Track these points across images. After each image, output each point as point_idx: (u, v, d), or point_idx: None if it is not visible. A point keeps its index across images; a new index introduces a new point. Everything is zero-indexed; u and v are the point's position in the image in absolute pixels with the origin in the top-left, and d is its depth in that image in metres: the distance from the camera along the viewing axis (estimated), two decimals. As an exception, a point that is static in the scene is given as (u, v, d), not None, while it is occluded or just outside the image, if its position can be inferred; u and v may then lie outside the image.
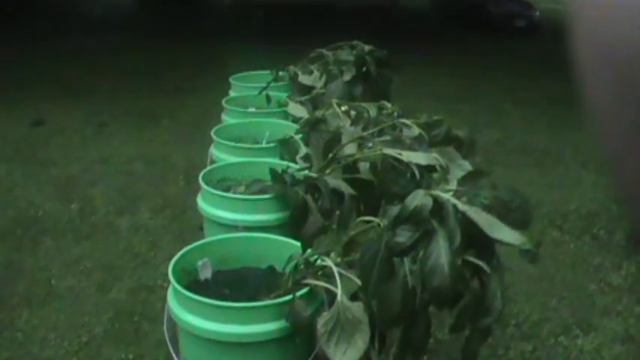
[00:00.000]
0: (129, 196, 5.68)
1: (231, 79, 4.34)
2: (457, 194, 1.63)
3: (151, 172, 6.25)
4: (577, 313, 4.31)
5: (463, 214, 1.58)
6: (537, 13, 18.81)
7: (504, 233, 1.56)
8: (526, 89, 11.05)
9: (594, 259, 5.03)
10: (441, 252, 1.52)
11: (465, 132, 2.47)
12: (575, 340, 4.03)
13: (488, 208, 1.59)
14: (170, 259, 4.53)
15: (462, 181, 1.70)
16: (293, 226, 2.49)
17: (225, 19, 17.29)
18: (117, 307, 4.06)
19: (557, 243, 5.25)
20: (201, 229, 2.86)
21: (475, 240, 1.59)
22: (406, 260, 1.64)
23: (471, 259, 1.61)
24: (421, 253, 1.57)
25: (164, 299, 4.11)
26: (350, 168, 2.56)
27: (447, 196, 1.61)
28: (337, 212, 2.48)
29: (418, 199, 1.60)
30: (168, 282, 4.27)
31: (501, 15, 17.91)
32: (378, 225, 1.73)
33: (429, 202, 1.59)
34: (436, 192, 1.62)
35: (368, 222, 1.85)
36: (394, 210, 1.62)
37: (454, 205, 1.58)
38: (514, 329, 4.05)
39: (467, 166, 2.22)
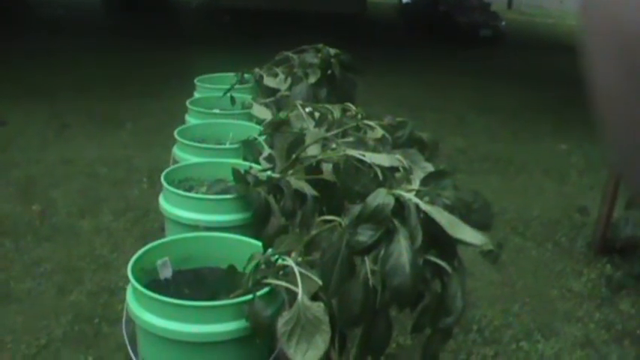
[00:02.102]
0: (91, 198, 5.60)
1: (196, 81, 4.31)
2: (419, 194, 1.63)
3: (113, 174, 6.17)
4: (538, 318, 4.33)
5: (425, 213, 1.57)
6: (503, 23, 18.99)
7: (466, 233, 1.56)
8: (491, 99, 11.14)
9: (556, 265, 5.07)
10: (402, 251, 1.51)
11: (429, 135, 2.47)
12: (537, 345, 4.06)
13: (450, 209, 1.59)
14: (132, 261, 4.54)
15: (425, 181, 1.69)
16: (255, 226, 2.48)
17: (191, 23, 17.21)
18: (77, 310, 3.99)
19: (520, 249, 5.29)
20: (163, 230, 2.82)
21: (437, 240, 1.58)
22: (367, 260, 1.63)
23: (433, 259, 1.60)
24: (382, 252, 1.56)
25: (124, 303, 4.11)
26: (313, 169, 2.55)
27: (408, 196, 1.60)
28: (299, 213, 2.46)
29: (380, 198, 1.58)
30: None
31: (468, 24, 18.04)
32: (340, 224, 1.72)
33: (391, 201, 1.58)
34: (398, 191, 1.61)
35: (329, 221, 1.84)
36: (355, 209, 1.60)
37: (416, 205, 1.57)
38: (476, 334, 4.06)
39: (430, 168, 2.22)
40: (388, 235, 1.56)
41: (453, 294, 1.58)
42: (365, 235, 1.57)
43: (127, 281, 4.28)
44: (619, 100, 0.50)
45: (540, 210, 6.15)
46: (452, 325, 1.63)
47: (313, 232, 1.82)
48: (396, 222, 1.57)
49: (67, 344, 3.70)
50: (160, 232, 4.76)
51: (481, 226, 1.62)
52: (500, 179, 7.12)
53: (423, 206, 1.58)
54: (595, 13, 0.51)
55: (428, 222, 1.57)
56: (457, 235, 1.56)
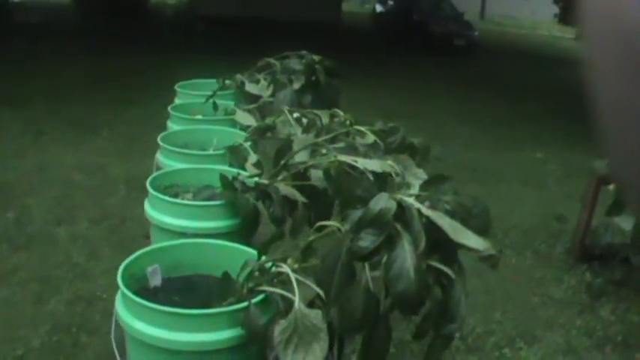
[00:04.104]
0: (67, 205, 5.51)
1: (176, 87, 4.26)
2: (420, 199, 1.60)
3: (89, 182, 6.09)
4: (520, 325, 4.33)
5: (427, 218, 1.55)
6: (476, 33, 19.14)
7: (468, 238, 1.54)
8: (467, 107, 11.20)
9: (536, 272, 5.08)
10: (406, 256, 1.48)
11: (420, 140, 2.45)
12: (519, 352, 4.06)
13: (451, 214, 1.57)
14: (110, 270, 4.44)
15: (425, 185, 1.67)
16: (243, 233, 2.44)
17: (168, 30, 17.12)
18: (54, 320, 3.92)
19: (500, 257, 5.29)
20: (147, 237, 2.77)
21: (438, 245, 1.56)
22: (366, 266, 1.60)
23: (435, 264, 1.58)
24: (385, 258, 1.53)
25: (103, 311, 4.02)
26: (300, 175, 2.52)
27: (410, 201, 1.57)
28: (289, 219, 2.43)
29: (382, 202, 1.56)
30: (108, 294, 4.17)
31: (442, 34, 18.16)
32: (338, 230, 1.69)
33: (393, 205, 1.56)
34: (400, 196, 1.59)
35: (326, 227, 1.81)
36: (355, 214, 1.57)
37: (418, 210, 1.55)
38: (459, 342, 4.04)
39: (421, 174, 2.20)
40: (390, 241, 1.54)
41: (457, 299, 1.55)
42: (367, 240, 1.54)
43: (105, 290, 4.24)
44: (621, 101, 0.50)
45: (519, 218, 6.17)
46: (455, 331, 1.61)
47: (310, 237, 1.78)
48: (398, 227, 1.55)
49: (45, 355, 3.63)
50: (139, 240, 4.72)
51: (480, 231, 1.60)
52: (478, 187, 7.13)
53: (425, 211, 1.55)
54: (595, 10, 0.51)
55: (430, 227, 1.54)
56: (460, 240, 1.53)
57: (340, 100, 3.59)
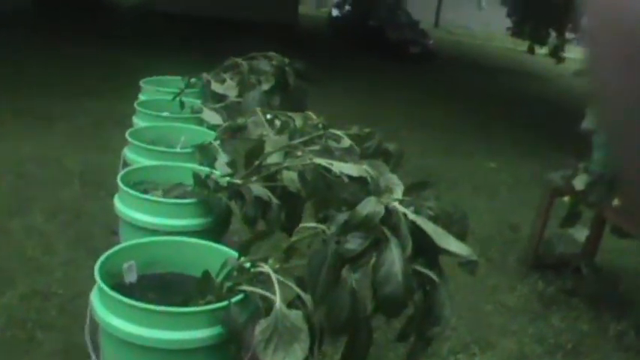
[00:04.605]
0: (21, 198, 5.41)
1: (141, 82, 4.22)
2: (404, 203, 1.63)
3: (44, 174, 5.98)
4: (475, 332, 4.40)
5: (413, 223, 1.57)
6: (431, 41, 19.34)
7: (451, 244, 1.57)
8: (422, 114, 11.30)
9: (490, 280, 5.16)
10: (394, 260, 1.50)
11: (395, 146, 2.48)
12: (474, 358, 4.13)
13: (433, 219, 1.59)
14: (66, 264, 4.40)
15: (408, 191, 1.69)
16: (215, 231, 2.44)
17: (125, 25, 16.90)
18: (8, 314, 3.85)
19: (454, 265, 5.36)
20: (115, 234, 2.74)
21: (422, 249, 1.59)
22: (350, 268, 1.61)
23: (419, 268, 1.60)
24: (373, 261, 1.55)
25: (60, 307, 3.97)
26: (271, 177, 2.53)
27: (397, 205, 1.60)
28: (261, 221, 2.44)
29: (370, 206, 1.58)
30: (64, 289, 4.12)
31: (398, 41, 18.29)
32: (323, 232, 1.70)
33: (381, 209, 1.58)
34: (386, 200, 1.61)
35: (309, 228, 1.82)
36: (342, 216, 1.59)
37: (404, 214, 1.57)
38: (415, 346, 4.10)
39: (395, 179, 2.23)
40: (378, 244, 1.56)
41: (442, 303, 1.58)
42: (354, 243, 1.56)
43: (61, 285, 4.18)
44: (623, 99, 0.50)
45: (472, 226, 6.21)
46: (440, 334, 1.63)
47: (293, 238, 1.79)
48: (386, 231, 1.57)
49: None
50: (95, 234, 4.66)
51: (459, 236, 1.64)
52: (431, 195, 7.23)
53: (411, 216, 1.58)
54: (598, 7, 0.51)
55: (415, 232, 1.57)
56: (443, 245, 1.56)
57: (308, 104, 3.61)
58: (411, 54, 18.22)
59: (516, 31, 17.71)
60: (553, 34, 16.44)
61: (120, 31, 15.33)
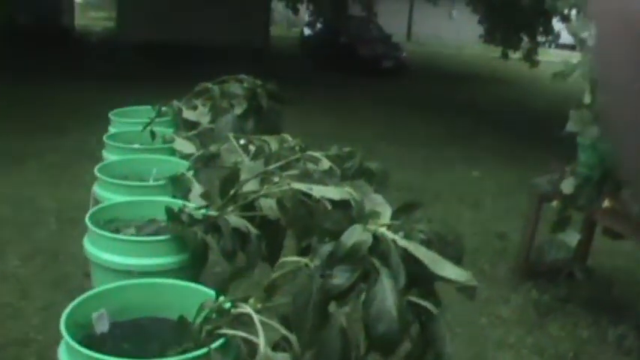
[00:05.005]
0: (-6, 242, 5.24)
1: (110, 115, 4.07)
2: (393, 228, 1.49)
3: (17, 216, 5.80)
4: (471, 347, 4.28)
5: (404, 250, 1.44)
6: (404, 54, 19.35)
7: (447, 270, 1.43)
8: (398, 128, 11.23)
9: (482, 292, 5.02)
10: (386, 294, 1.36)
11: (377, 165, 2.35)
12: (473, 376, 3.99)
13: (426, 243, 1.46)
14: (44, 309, 4.23)
15: (396, 214, 1.56)
16: (192, 269, 2.29)
17: (94, 58, 16.73)
18: (-16, 367, 3.67)
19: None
20: (87, 275, 2.59)
21: (416, 278, 1.45)
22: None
23: (414, 299, 1.47)
24: (363, 296, 1.41)
25: (38, 354, 3.79)
26: (249, 206, 2.39)
27: (385, 232, 1.46)
28: (240, 254, 2.29)
29: (356, 235, 1.44)
30: (43, 335, 3.95)
31: (370, 56, 18.27)
32: (306, 265, 1.56)
33: (369, 238, 1.44)
34: (373, 227, 1.47)
35: (290, 262, 1.68)
36: (325, 248, 1.45)
37: (394, 241, 1.43)
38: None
39: (380, 199, 2.09)
40: (367, 277, 1.42)
41: (442, 337, 1.44)
42: (341, 277, 1.42)
43: (40, 330, 4.00)
44: (631, 94, 0.50)
45: (461, 237, 6.14)
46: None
47: (274, 274, 1.65)
48: (375, 261, 1.43)
49: (-25, 407, 3.38)
50: (73, 276, 4.49)
51: (455, 259, 1.51)
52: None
53: (402, 242, 1.44)
54: (606, 11, 0.52)
55: (407, 260, 1.43)
56: (439, 272, 1.43)
57: (283, 126, 3.47)
58: (384, 68, 18.22)
59: (488, 38, 17.78)
60: (525, 38, 16.51)
61: (87, 64, 15.17)
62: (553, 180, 4.70)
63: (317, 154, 2.34)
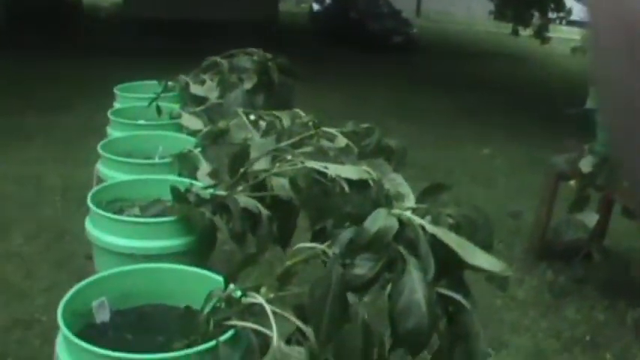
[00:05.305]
0: (-1, 220, 5.14)
1: (115, 90, 3.94)
2: (418, 212, 1.36)
3: (23, 193, 5.70)
4: (486, 330, 4.11)
5: (433, 236, 1.31)
6: (414, 30, 19.12)
7: (480, 258, 1.31)
8: (409, 105, 11.06)
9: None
10: (415, 286, 1.24)
11: (397, 142, 2.22)
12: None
13: (455, 229, 1.33)
14: (49, 289, 4.12)
15: (422, 197, 1.43)
16: (199, 252, 2.17)
17: (102, 34, 16.56)
18: (-14, 349, 3.58)
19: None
20: (89, 258, 2.47)
21: (446, 268, 1.32)
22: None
23: (444, 291, 1.34)
24: (389, 288, 1.29)
25: (43, 336, 3.69)
26: (259, 185, 2.26)
27: (412, 217, 1.33)
28: (250, 236, 2.17)
29: (380, 220, 1.31)
30: (48, 316, 3.84)
31: (380, 31, 18.07)
32: (324, 253, 1.43)
33: (395, 224, 1.31)
34: (398, 211, 1.34)
35: (308, 248, 1.55)
36: (345, 235, 1.32)
37: (422, 227, 1.31)
38: (426, 353, 3.84)
39: (399, 179, 1.96)
40: (392, 267, 1.29)
41: (476, 332, 1.32)
42: (364, 267, 1.29)
43: (45, 311, 3.90)
44: (629, 95, 0.51)
45: (474, 217, 6.01)
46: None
47: (288, 262, 1.52)
48: (401, 250, 1.30)
49: (-24, 389, 3.29)
50: (79, 256, 4.38)
51: (485, 246, 1.38)
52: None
53: (430, 228, 1.32)
54: (604, 5, 0.52)
55: (436, 247, 1.30)
56: (471, 261, 1.31)
57: (295, 101, 3.34)
58: (394, 44, 18.02)
59: (499, 14, 17.54)
60: (536, 14, 16.28)
61: (94, 40, 15.01)
62: (571, 158, 4.55)
63: (332, 130, 2.20)
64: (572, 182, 4.58)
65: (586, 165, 4.30)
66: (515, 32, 16.92)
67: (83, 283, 1.69)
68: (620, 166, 0.58)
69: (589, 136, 4.48)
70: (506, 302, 4.55)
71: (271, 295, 1.49)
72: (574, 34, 21.02)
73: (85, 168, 5.74)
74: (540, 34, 16.22)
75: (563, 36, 20.66)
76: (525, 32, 16.78)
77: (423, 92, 12.32)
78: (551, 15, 16.90)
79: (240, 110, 2.68)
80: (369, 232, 1.31)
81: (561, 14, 17.35)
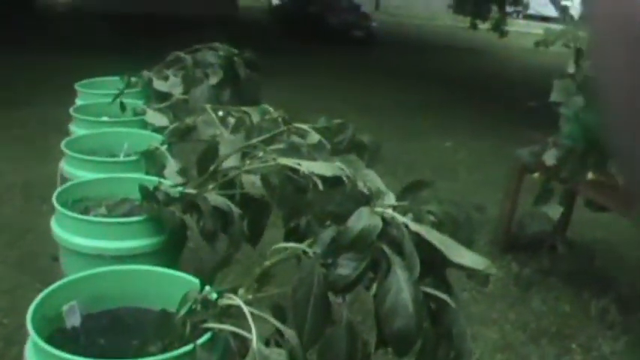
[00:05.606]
0: (-44, 219, 5.00)
1: (77, 86, 3.85)
2: (400, 210, 1.34)
3: (-20, 191, 5.57)
4: (455, 324, 4.16)
5: (416, 235, 1.28)
6: (374, 24, 19.19)
7: (464, 256, 1.29)
8: (370, 98, 11.08)
9: (462, 266, 4.92)
10: (401, 286, 1.21)
11: (370, 137, 2.19)
12: (457, 354, 3.88)
13: (437, 226, 1.31)
14: (11, 291, 4.03)
15: (403, 194, 1.40)
16: (169, 252, 2.13)
17: (59, 27, 16.27)
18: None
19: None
20: (55, 259, 2.41)
21: (430, 266, 1.30)
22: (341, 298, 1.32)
23: (429, 290, 1.32)
24: (374, 288, 1.26)
25: (6, 339, 3.60)
26: (228, 183, 2.22)
27: (395, 215, 1.31)
28: (221, 235, 2.13)
29: (364, 219, 1.28)
30: (9, 318, 3.75)
31: (339, 25, 18.10)
32: (304, 253, 1.40)
33: (379, 223, 1.28)
34: (381, 209, 1.32)
35: (287, 248, 1.52)
36: (326, 234, 1.29)
37: (405, 225, 1.28)
38: (393, 346, 3.84)
39: (372, 175, 1.94)
40: (374, 266, 1.27)
41: (462, 333, 1.30)
42: (347, 267, 1.26)
43: (6, 314, 3.81)
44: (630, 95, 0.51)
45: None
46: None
47: (268, 262, 1.49)
48: (386, 249, 1.28)
49: None
50: (41, 256, 4.29)
51: (467, 243, 1.36)
52: (391, 179, 6.89)
53: (414, 227, 1.29)
54: (604, 11, 0.52)
55: (419, 246, 1.28)
56: (455, 259, 1.29)
57: (261, 95, 3.30)
58: (354, 38, 18.07)
59: (458, 8, 17.69)
60: (494, 8, 16.44)
61: (51, 33, 14.74)
62: (535, 151, 4.58)
63: (304, 126, 2.17)
64: (536, 175, 4.61)
65: (550, 158, 4.32)
66: (474, 26, 17.08)
67: (53, 286, 1.63)
68: (621, 167, 0.57)
69: (552, 129, 4.51)
70: (474, 295, 4.57)
71: (249, 297, 1.46)
72: (531, 28, 21.24)
73: (47, 165, 5.63)
74: (498, 27, 16.41)
75: (521, 29, 20.88)
76: (484, 26, 16.94)
77: (383, 86, 12.34)
78: (509, 9, 17.08)
79: (208, 106, 2.64)
80: (353, 231, 1.29)
81: (519, 8, 17.56)
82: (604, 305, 4.48)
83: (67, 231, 2.14)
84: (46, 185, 5.26)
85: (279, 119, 2.39)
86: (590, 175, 4.18)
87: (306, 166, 1.86)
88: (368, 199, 1.45)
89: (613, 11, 0.50)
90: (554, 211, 4.44)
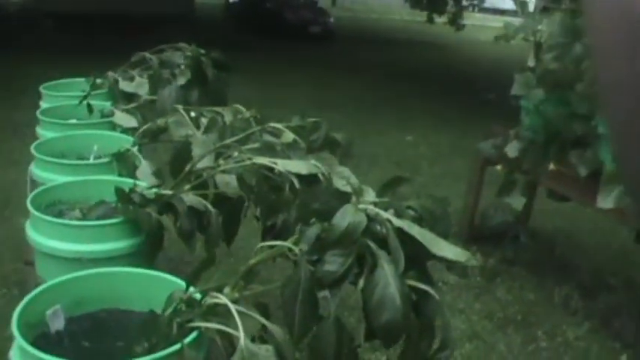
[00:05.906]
0: None
1: (41, 88, 3.82)
2: (381, 206, 1.38)
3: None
4: (423, 316, 4.23)
5: (399, 230, 1.33)
6: (331, 20, 19.23)
7: (445, 249, 1.34)
8: (329, 94, 11.13)
9: (428, 259, 4.99)
10: (388, 280, 1.26)
11: (343, 135, 2.23)
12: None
13: (418, 221, 1.36)
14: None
15: (382, 190, 1.45)
16: (147, 253, 2.14)
17: (10, 29, 16.01)
18: None
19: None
20: (29, 264, 2.40)
21: (413, 260, 1.35)
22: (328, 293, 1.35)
23: (413, 283, 1.36)
24: (361, 283, 1.30)
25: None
26: (202, 183, 2.25)
27: (379, 211, 1.35)
28: (198, 235, 2.16)
29: (349, 215, 1.32)
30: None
31: (297, 21, 18.12)
32: (290, 250, 1.43)
33: (363, 219, 1.33)
34: (364, 206, 1.36)
35: (272, 247, 1.55)
36: (312, 231, 1.33)
37: (389, 221, 1.32)
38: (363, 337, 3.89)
39: (347, 172, 1.99)
40: (360, 262, 1.31)
41: (446, 323, 1.35)
42: (334, 263, 1.30)
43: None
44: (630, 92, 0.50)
45: (401, 203, 6.10)
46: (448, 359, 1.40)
47: (253, 260, 1.52)
48: (371, 244, 1.32)
49: None
50: (9, 262, 4.25)
51: (444, 236, 1.41)
52: (354, 174, 7.02)
53: (396, 222, 1.33)
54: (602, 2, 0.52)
55: (403, 240, 1.33)
56: (437, 252, 1.33)
57: (228, 95, 3.32)
58: (311, 34, 18.09)
59: (414, 2, 17.79)
60: (450, 2, 16.60)
61: (5, 35, 14.51)
62: (497, 144, 4.66)
63: (279, 125, 2.20)
64: (498, 167, 4.69)
65: (512, 150, 4.40)
66: (431, 20, 17.22)
67: (35, 292, 1.64)
68: (623, 170, 0.56)
69: (513, 122, 4.59)
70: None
71: (235, 295, 1.48)
72: (488, 21, 21.49)
73: (9, 170, 5.59)
74: (455, 21, 16.57)
75: (477, 23, 21.11)
76: (440, 20, 17.10)
77: (343, 80, 12.41)
78: (465, 2, 17.26)
79: (180, 107, 2.65)
80: (339, 228, 1.33)
81: (474, 1, 17.73)
82: (567, 292, 4.60)
83: (43, 235, 2.14)
84: (10, 189, 5.22)
85: (251, 119, 2.42)
86: (551, 166, 4.27)
87: (281, 164, 1.89)
88: (349, 196, 1.49)
89: (612, 1, 0.50)
90: (517, 202, 4.52)
